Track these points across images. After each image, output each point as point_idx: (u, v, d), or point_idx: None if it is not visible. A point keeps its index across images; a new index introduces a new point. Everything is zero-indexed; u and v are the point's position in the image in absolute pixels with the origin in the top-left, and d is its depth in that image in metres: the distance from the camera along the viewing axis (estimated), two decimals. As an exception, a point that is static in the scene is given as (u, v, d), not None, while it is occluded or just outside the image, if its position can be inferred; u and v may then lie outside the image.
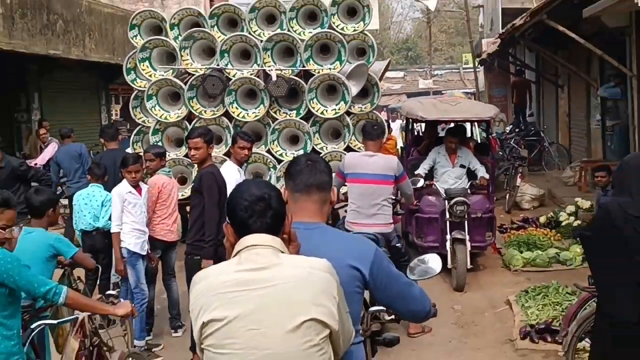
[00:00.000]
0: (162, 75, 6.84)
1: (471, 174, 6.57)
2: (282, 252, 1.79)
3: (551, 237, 7.28)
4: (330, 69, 6.67)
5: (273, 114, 6.83)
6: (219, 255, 4.08)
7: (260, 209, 1.79)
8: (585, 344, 3.79)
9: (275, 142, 6.81)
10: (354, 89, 6.84)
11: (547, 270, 6.34)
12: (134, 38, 7.10)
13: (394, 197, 5.26)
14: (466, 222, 6.00)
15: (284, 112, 6.84)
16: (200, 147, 4.57)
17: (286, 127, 6.82)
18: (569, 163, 11.28)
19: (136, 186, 4.91)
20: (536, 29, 9.75)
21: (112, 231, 4.85)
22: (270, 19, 7.08)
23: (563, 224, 7.76)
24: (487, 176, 6.49)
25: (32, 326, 3.16)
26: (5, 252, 2.76)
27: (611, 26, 7.81)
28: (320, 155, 6.63)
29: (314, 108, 6.68)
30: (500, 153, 10.92)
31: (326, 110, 6.71)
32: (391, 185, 4.99)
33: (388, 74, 32.46)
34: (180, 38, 6.80)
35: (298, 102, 6.86)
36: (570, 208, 8.02)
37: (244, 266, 1.75)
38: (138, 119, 7.17)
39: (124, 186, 4.89)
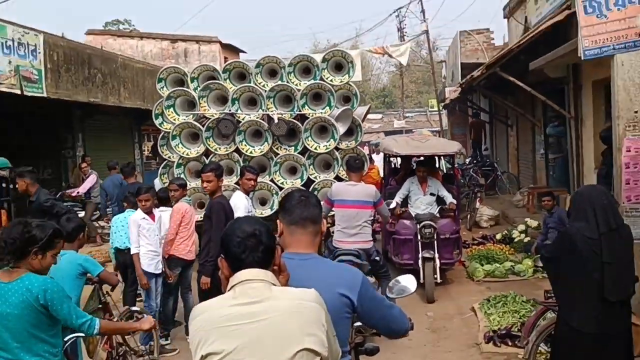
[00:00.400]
0: (184, 119, 6.60)
1: (440, 200, 6.25)
2: (274, 285, 1.57)
3: (506, 251, 6.93)
4: (321, 112, 6.42)
5: (275, 150, 6.55)
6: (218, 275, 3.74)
7: (252, 244, 1.57)
8: (543, 348, 3.45)
9: (277, 173, 6.51)
10: (341, 128, 6.59)
11: (505, 280, 5.96)
12: (161, 89, 6.88)
13: (372, 219, 4.98)
14: (435, 242, 5.64)
15: (284, 148, 6.56)
16: (212, 180, 4.40)
17: (286, 160, 6.53)
18: (518, 189, 10.99)
19: (149, 213, 4.59)
20: (490, 79, 9.52)
21: (131, 252, 4.51)
22: (273, 73, 6.87)
23: (515, 240, 7.45)
24: (454, 201, 6.17)
25: (66, 339, 2.84)
26: (53, 283, 2.46)
27: (552, 76, 7.57)
28: (314, 183, 6.36)
29: (309, 144, 6.40)
30: (462, 181, 10.62)
31: (319, 146, 6.43)
32: (370, 209, 4.75)
33: (369, 116, 32.67)
34: (199, 89, 6.57)
35: (296, 140, 6.59)
36: (521, 227, 7.71)
37: (238, 300, 1.51)
38: (165, 155, 6.92)
39: (138, 214, 4.59)
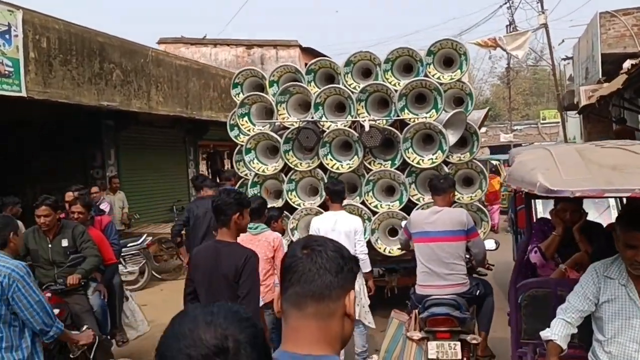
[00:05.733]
0: (260, 129, 6.46)
1: None
2: None
3: None
4: (426, 117, 5.90)
5: (367, 165, 6.13)
6: None
7: None
8: None
9: (370, 194, 6.05)
10: (452, 137, 5.99)
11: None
12: (237, 95, 6.84)
13: (467, 256, 4.29)
14: None
15: (378, 163, 6.10)
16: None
17: (381, 178, 6.06)
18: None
19: None
20: None
21: None
22: (367, 73, 6.50)
23: None
24: None
25: None
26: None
27: None
28: (418, 206, 5.79)
29: (409, 158, 5.87)
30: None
31: (422, 160, 5.88)
32: (463, 240, 4.09)
33: None
34: (277, 94, 6.41)
35: (393, 153, 6.10)
36: None
37: None
38: (241, 172, 6.81)
39: None
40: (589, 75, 15.63)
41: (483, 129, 32.70)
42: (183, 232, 6.61)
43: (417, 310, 3.96)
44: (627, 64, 8.93)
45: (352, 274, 1.22)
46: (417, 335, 3.81)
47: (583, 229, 3.45)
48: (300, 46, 16.96)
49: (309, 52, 17.27)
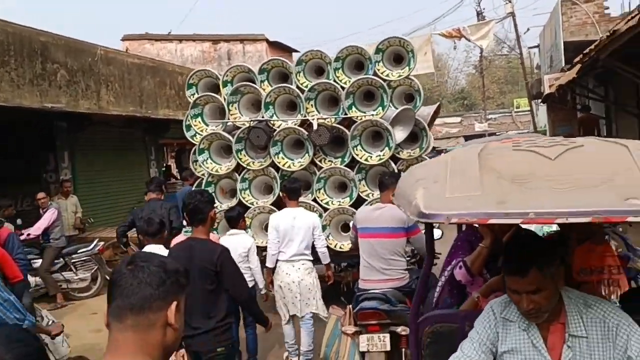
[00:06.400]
0: (213, 130, 6.61)
1: None
2: None
3: None
4: (373, 115, 6.11)
5: (318, 163, 6.32)
6: None
7: None
8: None
9: (322, 191, 6.26)
10: (401, 134, 6.21)
11: None
12: (192, 96, 6.95)
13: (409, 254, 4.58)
14: None
15: (329, 160, 6.30)
16: None
17: (332, 175, 6.26)
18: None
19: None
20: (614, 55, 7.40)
21: None
22: (320, 71, 6.69)
23: None
24: None
25: None
26: None
27: None
28: (367, 201, 6.02)
29: (357, 155, 6.08)
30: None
31: (371, 157, 6.09)
32: (402, 237, 4.34)
33: (446, 120, 32.76)
34: (228, 93, 6.56)
35: (343, 150, 6.31)
36: None
37: None
38: (198, 172, 6.95)
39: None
40: (553, 63, 16.00)
41: (457, 119, 33.28)
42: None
43: (351, 306, 4.18)
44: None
45: (177, 286, 1.32)
46: (350, 329, 4.03)
47: (515, 239, 2.38)
48: (267, 40, 17.04)
49: (277, 46, 17.37)
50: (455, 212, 1.74)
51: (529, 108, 22.42)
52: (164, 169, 14.87)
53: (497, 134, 24.55)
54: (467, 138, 28.10)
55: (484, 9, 25.29)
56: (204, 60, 17.12)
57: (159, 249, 4.03)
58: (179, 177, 13.38)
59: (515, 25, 19.58)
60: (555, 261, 1.91)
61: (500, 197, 1.74)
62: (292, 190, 5.13)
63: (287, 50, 17.94)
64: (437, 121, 33.13)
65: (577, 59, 10.07)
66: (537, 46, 19.68)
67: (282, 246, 4.98)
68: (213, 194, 6.41)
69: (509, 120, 31.23)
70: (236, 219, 5.16)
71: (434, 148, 21.42)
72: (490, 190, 1.80)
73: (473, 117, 33.07)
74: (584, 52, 9.13)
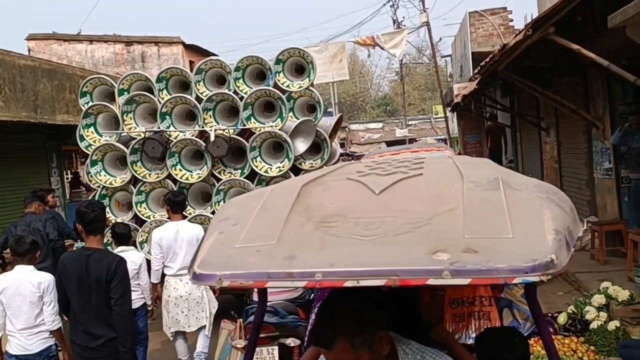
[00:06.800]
0: (106, 140, 6.34)
1: None
2: None
3: (583, 353, 4.35)
4: (272, 126, 6.12)
5: (217, 175, 6.25)
6: None
7: None
8: None
9: (221, 203, 6.19)
10: (302, 145, 6.28)
11: None
12: (85, 105, 6.64)
13: None
14: None
15: (228, 172, 6.24)
16: None
17: (232, 187, 6.19)
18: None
19: None
20: (514, 65, 7.68)
21: None
22: (221, 80, 6.62)
23: (592, 325, 4.75)
24: None
25: None
26: None
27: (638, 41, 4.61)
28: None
29: (257, 166, 6.07)
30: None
31: (270, 168, 6.11)
32: None
33: (369, 125, 33.72)
34: (122, 103, 6.33)
35: (244, 162, 6.28)
36: (599, 299, 5.03)
37: None
38: (93, 184, 6.64)
39: None
40: (463, 72, 16.82)
41: (379, 124, 34.15)
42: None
43: (241, 320, 4.15)
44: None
45: None
46: (241, 343, 4.01)
47: (327, 302, 1.71)
48: (183, 43, 16.64)
49: (193, 50, 17.02)
50: (229, 271, 1.31)
51: (442, 115, 23.43)
52: (71, 175, 14.11)
53: (417, 139, 25.53)
54: (389, 143, 29.01)
55: (403, 17, 26.17)
56: (116, 63, 16.45)
57: (29, 271, 3.80)
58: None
59: (430, 35, 20.39)
60: (372, 328, 1.53)
61: (292, 250, 1.33)
62: (175, 203, 5.05)
63: (205, 53, 17.58)
64: (360, 127, 33.97)
65: (476, 70, 10.69)
66: (450, 55, 20.63)
67: (167, 261, 4.87)
68: (108, 207, 6.18)
69: (428, 127, 32.43)
70: (126, 235, 5.00)
71: (348, 154, 21.88)
72: (288, 238, 1.39)
73: (394, 123, 34.09)
74: (481, 64, 9.69)
